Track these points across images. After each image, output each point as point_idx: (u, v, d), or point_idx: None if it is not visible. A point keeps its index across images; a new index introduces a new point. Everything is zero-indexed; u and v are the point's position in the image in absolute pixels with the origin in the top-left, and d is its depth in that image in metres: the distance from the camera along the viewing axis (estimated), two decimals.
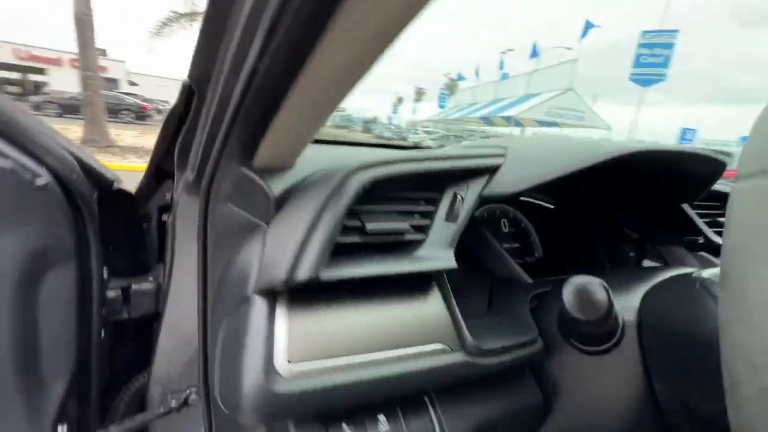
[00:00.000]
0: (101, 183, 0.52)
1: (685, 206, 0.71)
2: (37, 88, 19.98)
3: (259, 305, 0.34)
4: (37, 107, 13.49)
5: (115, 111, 14.80)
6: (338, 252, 0.36)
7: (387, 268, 0.38)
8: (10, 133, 0.39)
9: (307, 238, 0.34)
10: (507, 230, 0.76)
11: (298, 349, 0.33)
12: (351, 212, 0.38)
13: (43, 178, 0.41)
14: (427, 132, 25.61)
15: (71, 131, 8.16)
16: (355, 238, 0.39)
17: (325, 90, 0.31)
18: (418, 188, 0.46)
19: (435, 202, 0.46)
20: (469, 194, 0.47)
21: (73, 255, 0.45)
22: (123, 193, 0.58)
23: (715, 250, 0.74)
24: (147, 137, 11.00)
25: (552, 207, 0.80)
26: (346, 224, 0.38)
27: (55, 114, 13.26)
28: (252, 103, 0.31)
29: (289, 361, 0.33)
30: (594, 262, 0.81)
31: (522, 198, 0.78)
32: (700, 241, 0.70)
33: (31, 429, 0.42)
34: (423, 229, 0.43)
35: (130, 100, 16.06)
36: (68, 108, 13.48)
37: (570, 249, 0.80)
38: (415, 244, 0.42)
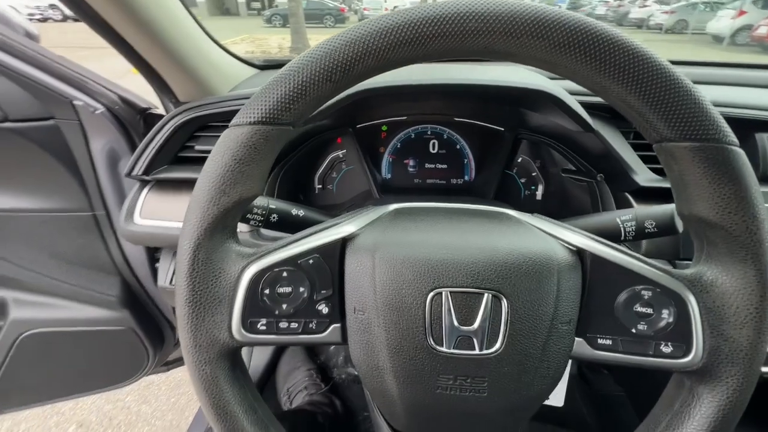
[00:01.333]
0: (139, 109, 0.87)
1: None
2: (270, 2, 24.06)
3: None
4: (268, 20, 16.58)
5: (320, 17, 16.70)
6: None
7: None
8: (79, 85, 0.75)
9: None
10: (435, 151, 0.78)
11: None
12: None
13: (100, 109, 0.77)
14: (662, 2, 18.82)
15: (286, 40, 9.95)
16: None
17: None
18: None
19: None
20: None
21: (129, 152, 0.83)
22: (156, 115, 0.93)
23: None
24: None
25: (502, 130, 0.75)
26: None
27: (279, 24, 16.01)
28: None
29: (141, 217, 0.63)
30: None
31: (461, 119, 0.76)
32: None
33: None
34: None
35: (331, 4, 17.59)
36: (287, 18, 16.03)
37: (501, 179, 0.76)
38: None
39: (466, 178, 0.79)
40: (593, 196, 0.64)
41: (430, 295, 0.32)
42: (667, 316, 0.33)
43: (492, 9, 0.27)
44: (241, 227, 0.59)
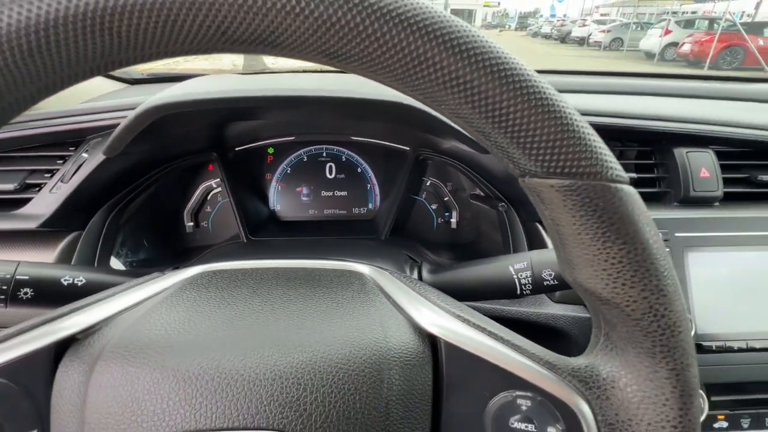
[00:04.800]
0: None
1: None
2: None
3: None
4: None
5: None
6: None
7: None
8: None
9: None
10: (333, 176, 0.66)
11: None
12: None
13: None
14: (599, 22, 20.43)
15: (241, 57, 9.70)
16: None
17: None
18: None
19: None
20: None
21: None
22: None
23: None
24: None
25: (407, 149, 0.64)
26: None
27: None
28: None
29: None
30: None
31: (360, 139, 0.65)
32: None
33: None
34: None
35: None
36: None
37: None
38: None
39: (371, 206, 0.68)
40: (503, 227, 0.53)
41: None
42: None
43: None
44: None
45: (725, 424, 0.42)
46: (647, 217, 0.19)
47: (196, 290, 0.27)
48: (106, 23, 0.14)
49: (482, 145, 0.20)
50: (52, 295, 0.32)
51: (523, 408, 0.22)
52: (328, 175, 0.67)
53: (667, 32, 13.40)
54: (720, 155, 0.49)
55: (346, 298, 0.27)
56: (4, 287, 0.30)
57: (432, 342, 0.24)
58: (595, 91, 0.69)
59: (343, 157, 0.66)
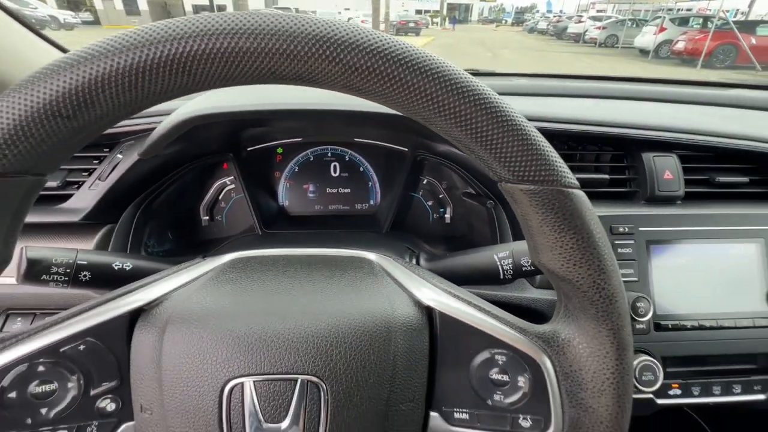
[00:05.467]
0: None
1: None
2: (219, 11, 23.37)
3: None
4: None
5: None
6: None
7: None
8: None
9: None
10: (337, 174, 0.72)
11: None
12: None
13: None
14: (595, 19, 20.47)
15: None
16: None
17: None
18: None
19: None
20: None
21: None
22: None
23: None
24: None
25: (406, 150, 0.70)
26: None
27: None
28: None
29: None
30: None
31: (362, 140, 0.71)
32: None
33: None
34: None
35: None
36: None
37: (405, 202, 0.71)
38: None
39: (372, 202, 0.73)
40: (491, 222, 0.60)
41: (228, 387, 0.25)
42: (523, 384, 0.28)
43: (277, 27, 0.21)
44: (45, 290, 0.48)
45: (679, 392, 0.49)
46: (593, 214, 0.25)
47: (235, 272, 0.33)
48: (186, 67, 0.20)
49: (469, 157, 0.26)
50: (105, 278, 0.38)
51: (500, 362, 0.28)
52: (332, 174, 0.72)
53: (662, 30, 13.45)
54: (683, 159, 0.56)
55: (358, 278, 0.32)
56: (68, 270, 0.36)
57: (428, 313, 0.30)
58: (578, 95, 0.75)
59: (347, 157, 0.72)
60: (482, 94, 0.23)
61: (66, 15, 16.02)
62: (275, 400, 0.25)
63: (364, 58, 0.21)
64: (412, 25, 21.09)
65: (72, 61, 0.20)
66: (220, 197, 0.69)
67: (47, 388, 0.26)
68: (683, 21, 13.55)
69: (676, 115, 0.63)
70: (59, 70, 0.20)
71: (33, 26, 0.62)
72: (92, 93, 0.20)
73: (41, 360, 0.26)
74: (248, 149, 0.69)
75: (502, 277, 0.41)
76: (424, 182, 0.71)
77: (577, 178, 0.49)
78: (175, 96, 0.23)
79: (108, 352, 0.27)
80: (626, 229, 0.50)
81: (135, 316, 0.28)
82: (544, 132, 0.59)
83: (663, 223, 0.51)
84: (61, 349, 0.26)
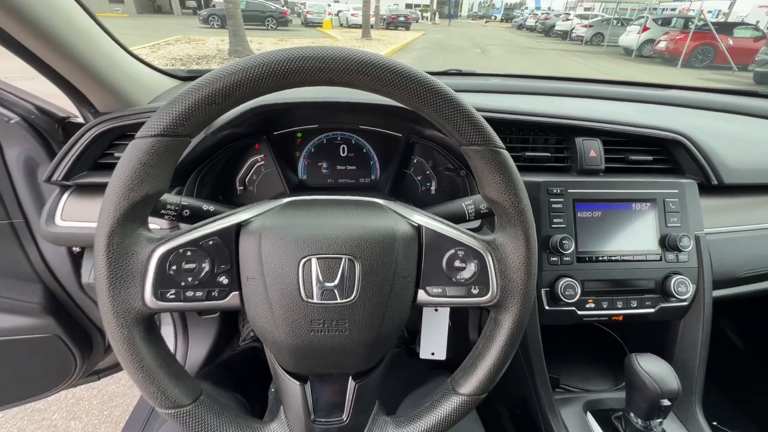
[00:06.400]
0: (58, 118, 0.90)
1: None
2: (207, 1, 23.07)
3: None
4: (204, 20, 15.91)
5: (261, 18, 16.32)
6: None
7: None
8: None
9: None
10: (345, 154, 0.90)
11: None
12: None
13: (14, 119, 0.79)
14: (582, 17, 20.81)
15: (225, 42, 9.68)
16: None
17: None
18: None
19: None
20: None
21: (48, 159, 0.85)
22: (75, 124, 0.96)
23: None
24: (286, 42, 12.06)
25: (400, 136, 0.89)
26: None
27: (217, 25, 15.42)
28: None
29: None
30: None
31: (365, 127, 0.89)
32: None
33: None
34: None
35: (273, 6, 17.25)
36: (225, 19, 15.51)
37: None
38: None
39: (373, 177, 0.92)
40: (464, 189, 0.79)
41: (302, 261, 0.43)
42: (474, 267, 0.47)
43: (332, 55, 0.39)
44: (162, 223, 0.66)
45: (593, 305, 0.69)
46: (513, 164, 0.44)
47: (293, 207, 0.50)
48: (267, 84, 0.39)
49: (441, 129, 0.45)
50: (198, 215, 0.55)
51: (460, 255, 0.47)
52: (341, 154, 0.90)
53: (645, 29, 13.80)
54: (605, 142, 0.76)
55: (373, 210, 0.51)
56: (176, 208, 0.54)
57: (418, 229, 0.49)
58: (537, 93, 0.95)
59: (353, 141, 0.90)
60: (442, 88, 0.41)
61: None
62: (330, 269, 0.43)
63: (376, 70, 0.39)
64: (402, 19, 21.12)
65: (219, 74, 0.38)
66: (251, 171, 0.86)
67: (191, 266, 0.44)
68: (665, 21, 13.93)
69: (603, 110, 0.83)
70: (215, 79, 0.38)
71: (143, 59, 0.83)
72: (230, 91, 0.38)
73: (188, 248, 0.44)
74: (274, 133, 0.86)
75: (467, 218, 0.59)
76: (415, 161, 0.90)
77: (529, 156, 0.74)
78: (271, 92, 0.41)
79: (225, 246, 0.45)
80: (559, 191, 0.70)
81: (238, 227, 0.46)
82: (508, 121, 0.84)
83: (586, 187, 0.71)
84: (200, 243, 0.44)
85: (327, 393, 0.48)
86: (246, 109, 0.63)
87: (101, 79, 0.74)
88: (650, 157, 0.76)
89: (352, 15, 20.60)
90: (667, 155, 0.78)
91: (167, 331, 1.15)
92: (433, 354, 0.76)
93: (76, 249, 0.84)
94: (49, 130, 0.86)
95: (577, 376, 0.84)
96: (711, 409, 0.75)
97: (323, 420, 0.47)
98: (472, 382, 0.48)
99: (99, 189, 0.73)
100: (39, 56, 0.68)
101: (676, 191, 0.72)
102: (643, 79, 1.15)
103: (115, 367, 1.37)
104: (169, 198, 0.54)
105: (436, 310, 0.77)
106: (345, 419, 0.47)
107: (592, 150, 0.74)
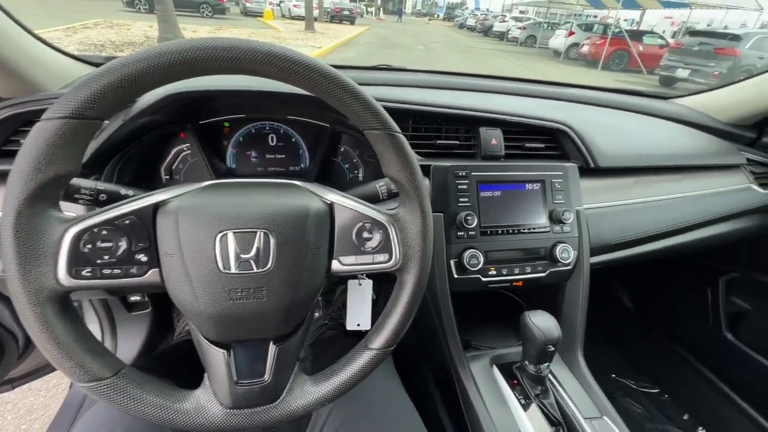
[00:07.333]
0: None
1: None
2: None
3: None
4: (129, 3, 14.59)
5: (195, 5, 15.31)
6: None
7: None
8: None
9: None
10: (274, 144, 0.93)
11: None
12: None
13: None
14: (517, 19, 22.11)
15: (154, 28, 8.97)
16: None
17: None
18: None
19: None
20: None
21: None
22: None
23: None
24: (224, 32, 11.43)
25: (327, 126, 0.93)
26: None
27: (144, 10, 14.22)
28: None
29: None
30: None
31: (293, 117, 0.93)
32: None
33: None
34: None
35: None
36: (154, 4, 14.33)
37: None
38: None
39: (302, 165, 0.96)
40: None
41: (219, 236, 0.47)
42: (379, 237, 0.53)
43: (240, 45, 0.43)
44: (78, 209, 0.65)
45: (495, 272, 0.80)
46: (407, 146, 0.51)
47: (213, 188, 0.53)
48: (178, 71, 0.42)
49: (347, 116, 0.50)
50: (116, 200, 0.56)
51: (367, 227, 0.53)
52: (270, 143, 0.93)
53: (571, 33, 15.01)
54: (506, 132, 0.87)
55: (290, 190, 0.55)
56: (92, 193, 0.54)
57: (330, 206, 0.54)
58: (453, 88, 1.04)
59: (281, 130, 0.93)
60: (342, 78, 0.46)
61: None
62: (246, 242, 0.47)
63: (288, 63, 0.44)
64: (346, 13, 20.94)
65: (129, 60, 0.41)
66: (177, 160, 0.87)
67: (107, 244, 0.46)
68: (588, 27, 15.23)
69: (508, 104, 0.94)
70: (125, 64, 0.41)
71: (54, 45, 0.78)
72: (138, 77, 0.41)
73: (103, 228, 0.45)
74: (200, 122, 0.87)
75: (380, 197, 0.66)
76: (342, 149, 0.95)
77: (440, 144, 0.82)
78: (180, 79, 0.44)
79: (142, 226, 0.47)
80: (465, 174, 0.79)
81: (156, 206, 0.49)
82: (422, 112, 0.92)
83: (488, 170, 0.81)
84: (115, 222, 0.46)
85: (249, 357, 0.52)
86: (162, 95, 0.64)
87: (1, 64, 0.70)
88: (543, 145, 0.89)
89: (295, 6, 20.02)
90: (557, 143, 0.91)
91: (92, 329, 1.10)
92: (359, 325, 0.83)
93: None
94: None
95: (486, 337, 0.95)
96: (604, 357, 0.90)
97: (246, 381, 0.51)
98: (381, 337, 0.54)
99: (4, 177, 0.69)
100: None
101: (561, 173, 0.85)
102: (568, 80, 1.31)
103: (33, 375, 1.28)
104: (84, 182, 0.55)
105: (359, 284, 0.83)
106: (267, 379, 0.52)
107: (494, 138, 0.84)
